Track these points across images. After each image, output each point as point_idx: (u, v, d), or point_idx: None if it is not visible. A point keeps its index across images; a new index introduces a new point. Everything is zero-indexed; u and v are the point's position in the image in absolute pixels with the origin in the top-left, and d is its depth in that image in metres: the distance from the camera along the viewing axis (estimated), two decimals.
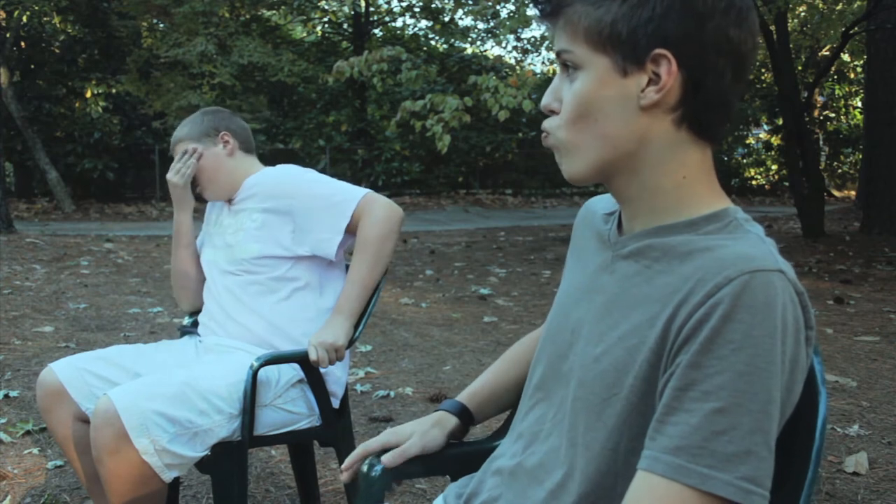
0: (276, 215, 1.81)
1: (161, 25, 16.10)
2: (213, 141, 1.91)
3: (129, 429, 1.43)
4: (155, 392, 1.49)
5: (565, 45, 0.82)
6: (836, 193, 20.18)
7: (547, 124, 0.86)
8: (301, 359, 1.69)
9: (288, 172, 1.88)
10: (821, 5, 11.29)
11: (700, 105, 0.79)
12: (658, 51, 0.77)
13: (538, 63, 25.32)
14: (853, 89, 20.59)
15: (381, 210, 1.78)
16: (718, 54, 0.77)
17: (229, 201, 1.94)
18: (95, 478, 1.65)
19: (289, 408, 1.72)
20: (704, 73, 0.77)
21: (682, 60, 0.77)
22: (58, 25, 16.75)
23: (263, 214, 1.83)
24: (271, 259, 1.81)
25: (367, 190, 1.82)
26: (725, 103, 0.80)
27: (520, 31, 16.21)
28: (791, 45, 11.39)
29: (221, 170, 1.91)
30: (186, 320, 2.03)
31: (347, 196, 1.79)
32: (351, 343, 1.79)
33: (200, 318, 1.93)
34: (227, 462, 1.61)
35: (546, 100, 0.85)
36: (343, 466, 1.10)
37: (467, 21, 18.83)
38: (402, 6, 19.17)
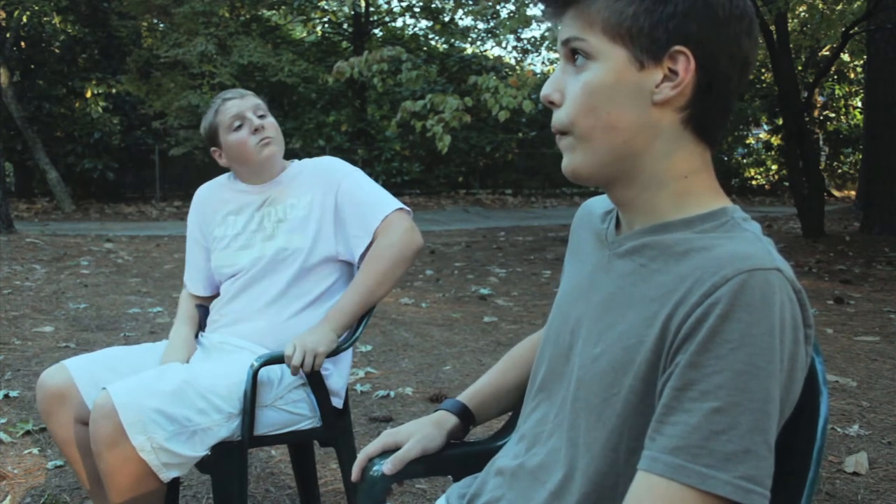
0: (321, 204, 1.80)
1: (161, 25, 16.11)
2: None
3: (126, 425, 1.42)
4: (154, 389, 1.49)
5: (577, 32, 0.81)
6: (836, 193, 20.17)
7: (556, 119, 0.83)
8: None
9: (334, 161, 1.91)
10: (821, 5, 11.28)
11: (708, 107, 0.80)
12: (678, 47, 0.77)
13: (538, 63, 25.33)
14: (853, 89, 20.58)
15: (403, 233, 1.78)
16: (730, 60, 0.79)
17: (259, 190, 1.88)
18: (96, 480, 1.65)
19: (290, 409, 1.71)
20: (715, 77, 0.79)
21: (699, 60, 0.78)
22: (58, 25, 16.74)
23: (310, 202, 1.81)
24: (316, 255, 1.79)
25: (396, 206, 1.82)
26: (727, 108, 0.81)
27: (520, 31, 16.23)
28: (791, 45, 11.39)
29: (282, 136, 1.91)
30: None
31: (384, 201, 1.82)
32: (350, 345, 1.79)
33: (211, 308, 1.90)
34: (227, 462, 1.61)
35: (546, 90, 0.84)
36: (353, 479, 1.10)
37: (467, 21, 18.83)
38: (402, 6, 19.16)
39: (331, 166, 1.88)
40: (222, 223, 1.89)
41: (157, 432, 1.44)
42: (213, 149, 1.89)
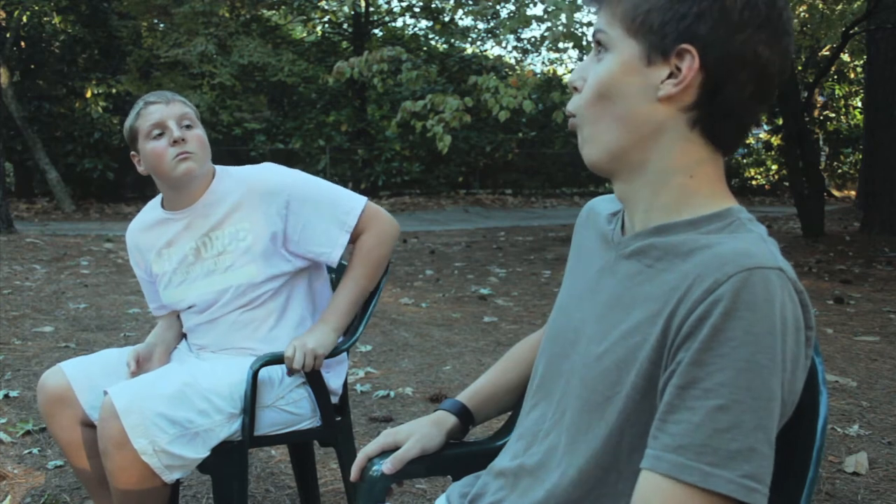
0: (266, 227, 1.68)
1: (161, 25, 16.10)
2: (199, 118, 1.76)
3: (128, 429, 1.42)
4: (155, 392, 1.49)
5: (603, 25, 0.84)
6: (836, 193, 20.17)
7: (569, 104, 0.88)
8: None
9: (268, 172, 1.73)
10: (821, 5, 11.28)
11: (715, 111, 0.80)
12: (684, 46, 0.78)
13: (538, 63, 25.32)
14: (853, 89, 20.57)
15: (384, 226, 1.76)
16: (743, 67, 0.78)
17: (187, 213, 1.74)
18: (98, 481, 1.65)
19: (291, 409, 1.71)
20: (724, 81, 0.78)
21: (705, 61, 0.78)
22: (58, 25, 16.74)
23: (251, 228, 1.68)
24: (273, 279, 1.71)
25: (365, 199, 1.77)
26: (740, 116, 0.80)
27: (520, 31, 16.22)
28: None
29: (208, 149, 1.74)
30: None
31: (348, 208, 1.73)
32: (350, 346, 1.79)
33: (191, 339, 1.84)
34: (227, 462, 1.61)
35: (572, 76, 0.88)
36: (352, 479, 1.11)
37: (467, 21, 18.82)
38: (402, 6, 19.15)
39: (268, 182, 1.70)
40: (158, 259, 1.78)
41: (159, 436, 1.44)
42: (132, 153, 1.74)
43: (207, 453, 1.54)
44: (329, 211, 1.72)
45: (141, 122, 1.67)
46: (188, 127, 1.68)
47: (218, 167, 1.78)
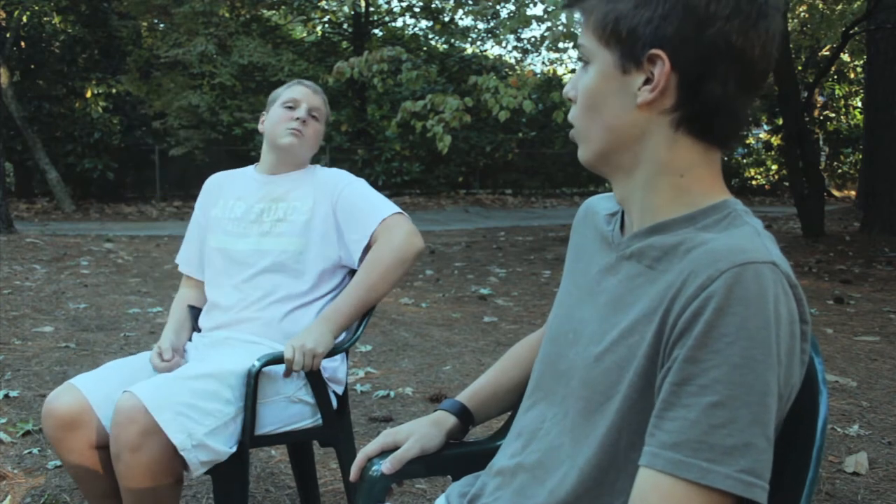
0: (322, 211, 1.82)
1: (161, 25, 16.11)
2: (325, 121, 1.98)
3: (163, 424, 1.40)
4: (181, 387, 1.49)
5: (581, 37, 0.85)
6: (836, 193, 20.18)
7: (569, 115, 0.90)
8: None
9: (342, 172, 1.96)
10: (821, 5, 11.28)
11: (700, 109, 0.79)
12: (653, 51, 0.77)
13: (538, 63, 25.31)
14: (853, 89, 20.58)
15: (402, 236, 1.78)
16: (720, 60, 0.76)
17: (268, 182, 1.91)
18: (103, 498, 1.63)
19: (292, 408, 1.71)
20: (703, 78, 0.77)
21: (677, 63, 0.77)
22: (58, 25, 16.74)
23: (311, 207, 1.83)
24: (319, 260, 1.81)
25: (393, 209, 1.83)
26: (730, 110, 0.79)
27: (520, 31, 16.23)
28: (791, 45, 11.39)
29: (318, 143, 1.96)
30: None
31: (381, 205, 1.84)
32: (351, 345, 1.79)
33: (207, 308, 1.89)
34: (228, 462, 1.60)
35: (567, 89, 0.89)
36: (351, 479, 1.11)
37: (467, 21, 18.83)
38: (402, 6, 19.16)
39: (336, 176, 1.91)
40: (223, 204, 1.93)
41: (195, 428, 1.45)
42: (263, 112, 1.98)
43: (234, 449, 1.55)
44: (362, 214, 1.82)
45: (286, 92, 1.93)
46: (314, 118, 1.92)
47: (312, 165, 1.97)
